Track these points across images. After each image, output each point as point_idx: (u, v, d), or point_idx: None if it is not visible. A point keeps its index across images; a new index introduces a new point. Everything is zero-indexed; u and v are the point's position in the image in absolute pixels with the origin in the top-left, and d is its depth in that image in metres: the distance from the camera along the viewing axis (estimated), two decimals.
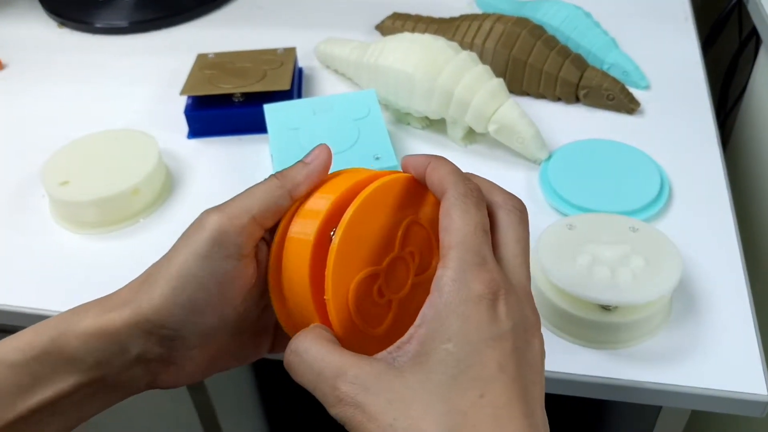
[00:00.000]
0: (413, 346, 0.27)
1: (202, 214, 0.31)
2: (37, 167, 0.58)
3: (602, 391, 0.42)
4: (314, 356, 0.28)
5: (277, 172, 0.33)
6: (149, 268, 0.32)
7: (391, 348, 0.27)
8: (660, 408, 0.49)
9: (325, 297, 0.29)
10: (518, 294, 0.28)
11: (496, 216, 0.30)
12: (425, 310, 0.27)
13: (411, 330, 0.27)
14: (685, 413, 0.49)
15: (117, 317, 0.30)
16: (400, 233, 0.31)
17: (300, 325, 0.31)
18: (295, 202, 0.32)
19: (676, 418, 0.49)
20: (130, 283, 0.32)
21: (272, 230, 0.33)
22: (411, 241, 0.32)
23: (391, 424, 0.25)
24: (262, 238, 0.33)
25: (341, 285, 0.29)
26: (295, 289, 0.31)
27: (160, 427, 0.71)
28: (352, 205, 0.29)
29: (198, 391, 0.66)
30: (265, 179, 0.33)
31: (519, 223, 0.30)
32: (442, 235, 0.29)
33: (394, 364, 0.27)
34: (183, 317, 0.30)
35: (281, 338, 0.37)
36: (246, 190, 0.32)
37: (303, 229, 0.31)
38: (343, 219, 0.29)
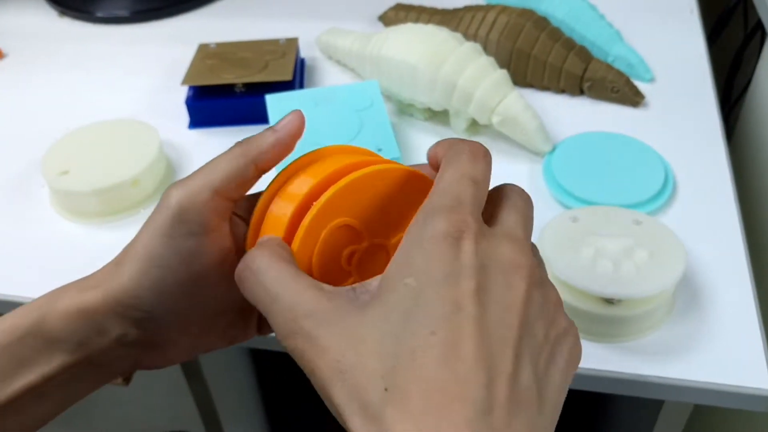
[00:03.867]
0: (377, 282, 0.26)
1: (166, 189, 0.30)
2: (37, 157, 0.58)
3: (605, 384, 0.42)
4: (272, 278, 0.27)
5: (243, 140, 0.31)
6: (123, 249, 0.31)
7: (356, 285, 0.27)
8: (662, 402, 0.49)
9: (292, 244, 0.28)
10: (500, 239, 0.26)
11: (503, 193, 0.29)
12: (396, 252, 0.26)
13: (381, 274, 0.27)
14: (687, 407, 0.49)
15: (92, 297, 0.30)
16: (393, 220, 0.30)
17: None
18: (262, 171, 0.31)
19: (678, 412, 0.49)
20: (106, 264, 0.32)
21: (250, 208, 0.31)
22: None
23: (338, 360, 0.24)
24: (238, 215, 0.32)
25: (311, 236, 0.28)
26: None
27: (159, 419, 0.71)
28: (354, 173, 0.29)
29: (197, 383, 0.66)
30: (230, 148, 0.31)
31: (524, 203, 0.29)
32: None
33: (356, 301, 0.26)
34: (152, 299, 0.30)
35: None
36: (210, 161, 0.30)
37: (281, 209, 0.30)
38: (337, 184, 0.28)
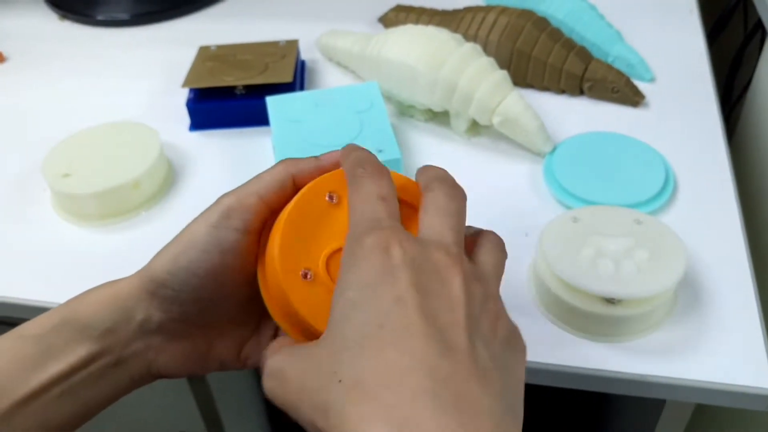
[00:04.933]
0: (330, 313, 0.28)
1: (219, 197, 0.34)
2: (38, 160, 0.58)
3: (606, 384, 0.42)
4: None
5: (287, 159, 0.34)
6: None
7: None
8: (664, 401, 0.49)
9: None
10: (425, 244, 0.28)
11: (427, 195, 0.31)
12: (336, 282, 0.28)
13: None
14: (689, 407, 0.49)
15: (126, 283, 0.33)
16: None
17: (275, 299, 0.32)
18: (298, 187, 0.33)
19: (680, 411, 0.49)
20: None
21: None
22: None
23: (300, 381, 0.26)
24: None
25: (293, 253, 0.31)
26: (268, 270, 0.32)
27: (161, 420, 0.71)
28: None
29: (199, 384, 0.66)
30: (274, 164, 0.34)
31: (443, 196, 0.30)
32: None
33: (320, 337, 0.28)
34: (183, 279, 0.32)
35: None
36: (256, 175, 0.34)
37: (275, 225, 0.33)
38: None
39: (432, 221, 0.29)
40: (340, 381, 0.24)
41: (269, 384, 0.28)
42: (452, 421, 0.23)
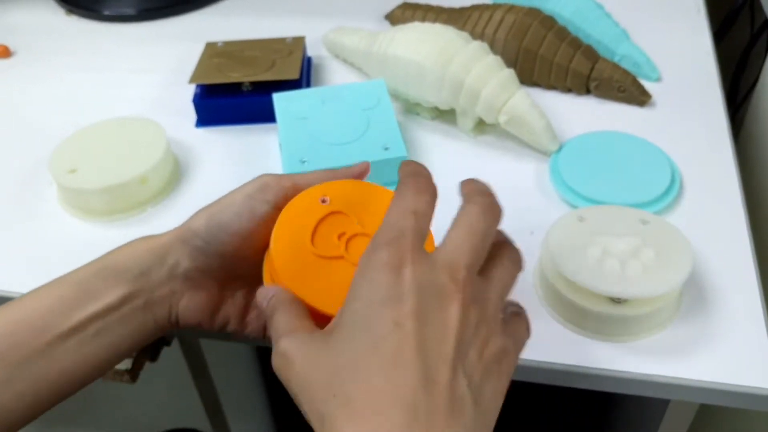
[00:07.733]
0: (338, 315, 0.31)
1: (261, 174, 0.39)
2: (45, 155, 0.58)
3: (611, 384, 0.42)
4: (278, 318, 0.33)
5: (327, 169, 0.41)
6: None
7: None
8: (668, 401, 0.49)
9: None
10: (436, 265, 0.30)
11: (460, 211, 0.33)
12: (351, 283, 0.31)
13: None
14: (693, 407, 0.49)
15: (166, 235, 0.38)
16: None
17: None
18: None
19: (684, 411, 0.49)
20: None
21: None
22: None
23: (304, 376, 0.29)
24: None
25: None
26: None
27: (165, 416, 0.71)
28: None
29: (202, 380, 0.66)
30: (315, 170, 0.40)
31: (477, 213, 0.32)
32: None
33: (327, 332, 0.31)
34: (214, 233, 0.37)
35: None
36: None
37: None
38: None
39: (456, 235, 0.31)
40: (334, 395, 0.28)
41: (277, 362, 0.31)
42: None
